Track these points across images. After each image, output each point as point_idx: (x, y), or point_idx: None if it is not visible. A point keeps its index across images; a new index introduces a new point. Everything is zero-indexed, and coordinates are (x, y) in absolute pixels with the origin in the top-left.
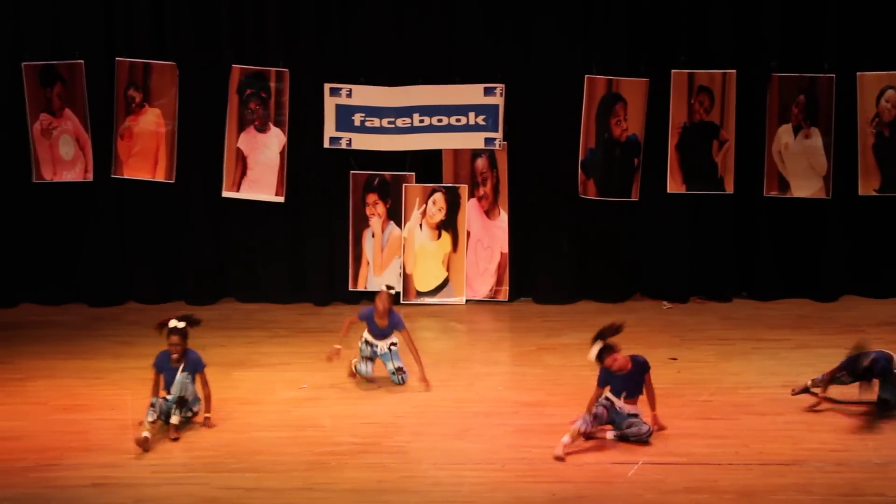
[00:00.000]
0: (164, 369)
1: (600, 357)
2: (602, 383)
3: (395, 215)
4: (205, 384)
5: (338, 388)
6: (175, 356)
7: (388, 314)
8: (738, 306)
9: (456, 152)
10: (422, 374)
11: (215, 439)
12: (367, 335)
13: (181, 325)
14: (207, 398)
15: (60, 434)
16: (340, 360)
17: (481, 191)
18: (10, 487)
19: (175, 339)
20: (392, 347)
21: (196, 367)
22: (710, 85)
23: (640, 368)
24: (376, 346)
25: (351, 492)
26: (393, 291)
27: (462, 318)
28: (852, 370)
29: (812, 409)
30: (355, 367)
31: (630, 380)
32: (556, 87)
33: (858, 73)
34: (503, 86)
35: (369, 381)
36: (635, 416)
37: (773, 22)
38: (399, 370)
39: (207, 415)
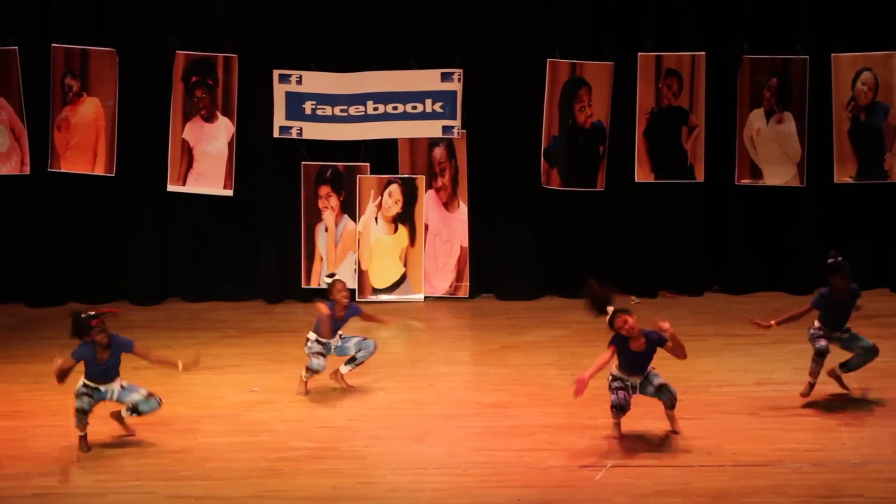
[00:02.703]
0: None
1: (611, 322)
2: (615, 342)
3: (350, 208)
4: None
5: (291, 390)
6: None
7: (347, 306)
8: (709, 300)
9: (412, 141)
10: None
11: (163, 446)
12: (314, 336)
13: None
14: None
15: None
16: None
17: (439, 182)
18: None
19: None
20: (342, 337)
21: (123, 347)
22: (678, 68)
23: (653, 345)
24: (328, 344)
25: (305, 499)
26: (336, 277)
27: (421, 315)
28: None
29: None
30: (306, 373)
31: (642, 357)
32: (516, 72)
33: (833, 55)
34: (461, 71)
35: (315, 373)
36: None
37: (743, 1)
38: (357, 345)
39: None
